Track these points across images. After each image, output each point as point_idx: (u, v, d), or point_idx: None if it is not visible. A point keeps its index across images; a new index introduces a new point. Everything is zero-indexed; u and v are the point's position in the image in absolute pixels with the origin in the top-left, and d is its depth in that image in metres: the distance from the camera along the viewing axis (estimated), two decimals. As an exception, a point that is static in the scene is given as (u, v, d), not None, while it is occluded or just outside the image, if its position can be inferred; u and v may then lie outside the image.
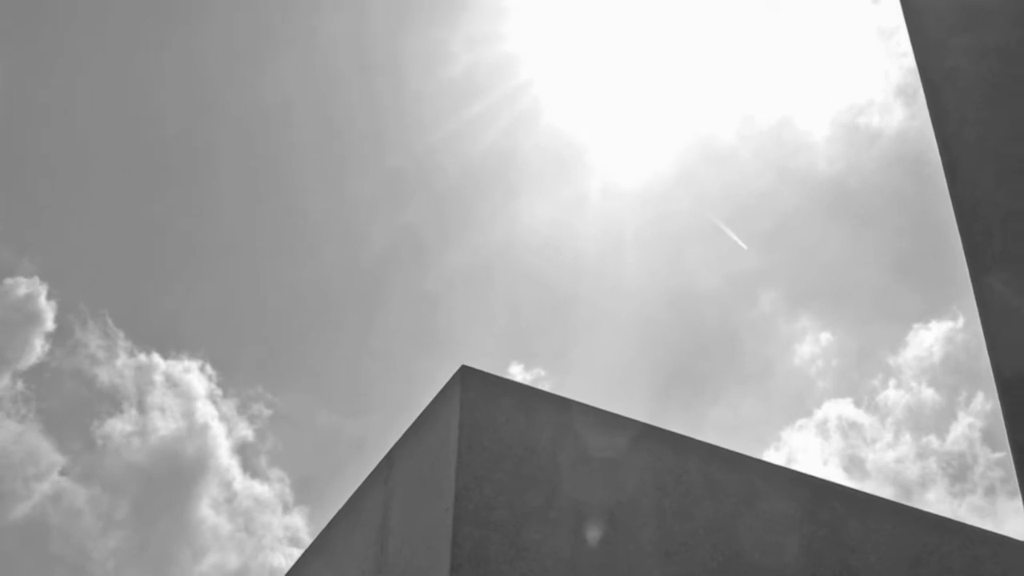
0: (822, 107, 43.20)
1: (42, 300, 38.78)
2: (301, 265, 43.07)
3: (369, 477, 11.97)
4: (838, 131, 41.22)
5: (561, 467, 10.29)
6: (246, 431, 39.99)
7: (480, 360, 12.72)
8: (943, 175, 9.92)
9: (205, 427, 39.57)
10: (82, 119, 42.61)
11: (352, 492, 12.21)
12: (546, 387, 12.93)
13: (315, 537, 13.00)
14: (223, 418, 39.83)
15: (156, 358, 39.62)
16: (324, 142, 43.43)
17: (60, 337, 39.17)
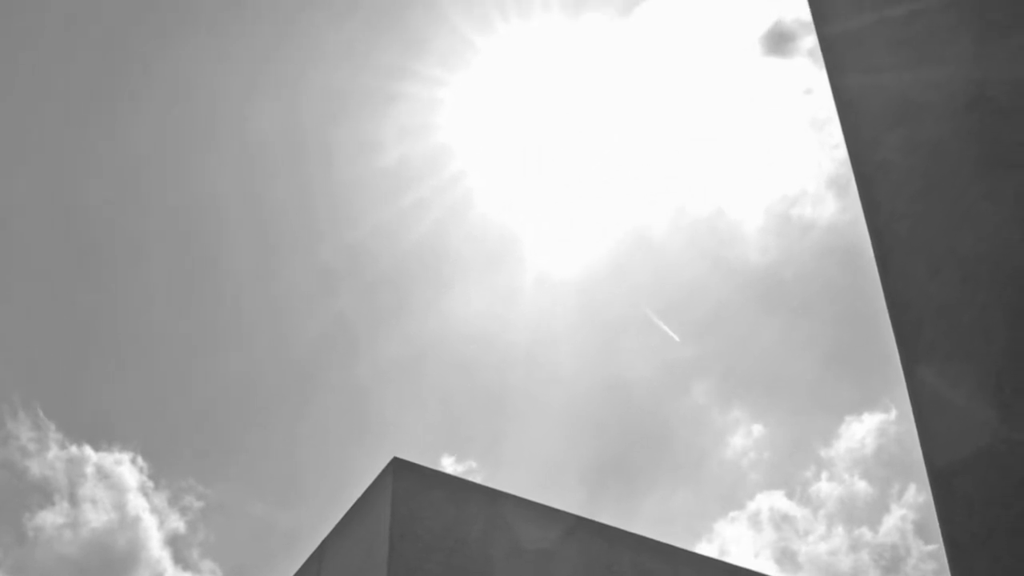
0: (755, 197, 43.54)
1: (-29, 392, 38.29)
2: (232, 356, 42.80)
3: (301, 569, 11.81)
4: (771, 222, 41.53)
5: (493, 559, 10.20)
6: (177, 523, 39.44)
7: (412, 452, 12.64)
8: (875, 267, 9.99)
9: (136, 519, 39.01)
10: (10, 209, 42.35)
11: (282, 584, 12.04)
12: (478, 479, 12.88)
13: (243, 630, 12.77)
14: (154, 510, 39.28)
15: (87, 450, 39.11)
16: (254, 232, 43.34)
17: (-10, 429, 38.66)
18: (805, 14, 14.24)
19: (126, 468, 40.12)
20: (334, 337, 42.80)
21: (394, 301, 43.20)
